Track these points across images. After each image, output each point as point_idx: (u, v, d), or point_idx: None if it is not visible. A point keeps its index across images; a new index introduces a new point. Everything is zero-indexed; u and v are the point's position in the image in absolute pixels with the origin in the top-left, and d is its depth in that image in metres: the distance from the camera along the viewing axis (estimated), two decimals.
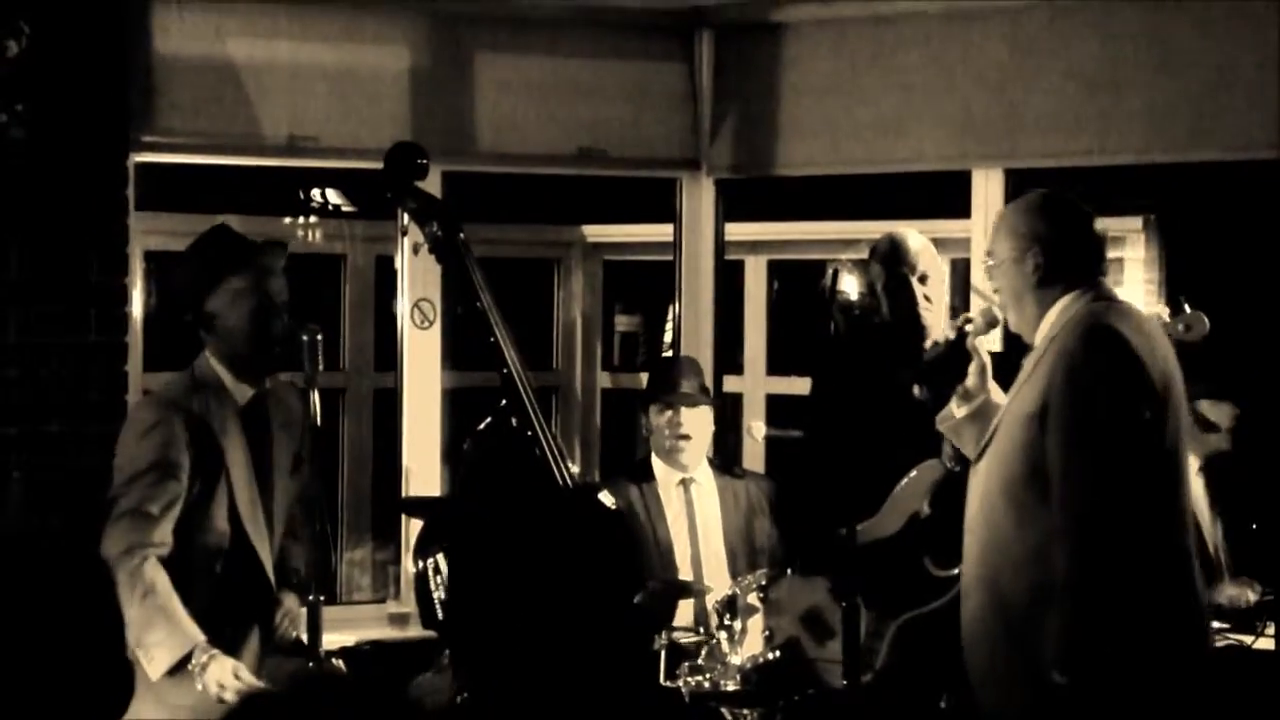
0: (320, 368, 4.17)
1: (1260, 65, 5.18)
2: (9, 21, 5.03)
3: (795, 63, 5.94)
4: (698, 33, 6.04)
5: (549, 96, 5.90)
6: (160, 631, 3.90)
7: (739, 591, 4.63)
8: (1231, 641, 4.87)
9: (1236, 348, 5.18)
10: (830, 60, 5.88)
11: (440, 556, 3.90)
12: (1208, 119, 5.32)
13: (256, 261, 4.25)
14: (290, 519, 4.39)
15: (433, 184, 4.86)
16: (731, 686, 4.43)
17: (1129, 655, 3.69)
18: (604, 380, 7.11)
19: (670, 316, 6.50)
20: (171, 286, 4.35)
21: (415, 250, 4.27)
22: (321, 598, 4.12)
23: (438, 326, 5.76)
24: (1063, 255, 3.89)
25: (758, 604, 4.72)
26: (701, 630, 4.70)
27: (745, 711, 4.37)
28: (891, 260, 4.78)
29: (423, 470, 5.71)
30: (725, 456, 5.48)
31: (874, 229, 5.13)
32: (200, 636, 3.95)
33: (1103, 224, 6.51)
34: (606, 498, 4.11)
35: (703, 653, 4.53)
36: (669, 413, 5.30)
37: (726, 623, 4.54)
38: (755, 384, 6.41)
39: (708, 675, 4.45)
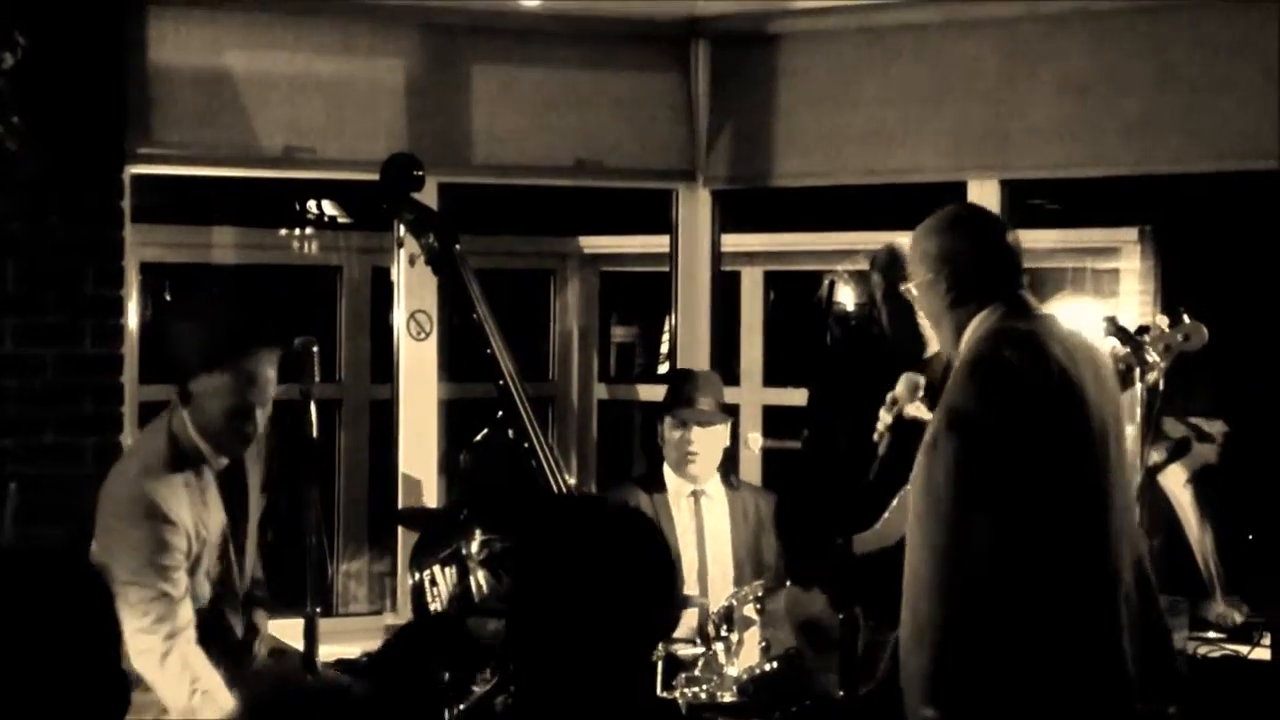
0: (316, 379, 4.17)
1: (1256, 76, 5.19)
2: (4, 34, 5.02)
3: (791, 74, 5.95)
4: (694, 44, 6.04)
5: (545, 108, 5.90)
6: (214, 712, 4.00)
7: (736, 603, 4.63)
8: (1228, 652, 4.87)
9: (1232, 359, 5.18)
10: (826, 71, 5.89)
11: (437, 568, 3.90)
12: (1203, 130, 5.33)
13: (245, 364, 4.14)
14: (259, 532, 4.43)
15: (429, 195, 4.85)
16: (728, 698, 4.42)
17: (1001, 690, 3.56)
18: (600, 391, 7.10)
19: (667, 327, 6.50)
20: (166, 341, 4.32)
21: (411, 262, 4.28)
22: (318, 610, 4.12)
23: (434, 338, 5.75)
24: (974, 273, 3.77)
25: (754, 615, 4.71)
26: (698, 641, 4.70)
27: None
28: (892, 271, 4.77)
29: (419, 481, 5.70)
30: (723, 468, 5.47)
31: (870, 240, 5.13)
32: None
33: (1096, 234, 6.55)
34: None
35: (700, 664, 4.53)
36: (681, 429, 5.31)
37: (723, 634, 4.54)
38: (752, 395, 6.40)
39: (705, 686, 4.45)
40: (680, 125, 6.07)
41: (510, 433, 4.07)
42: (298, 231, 6.85)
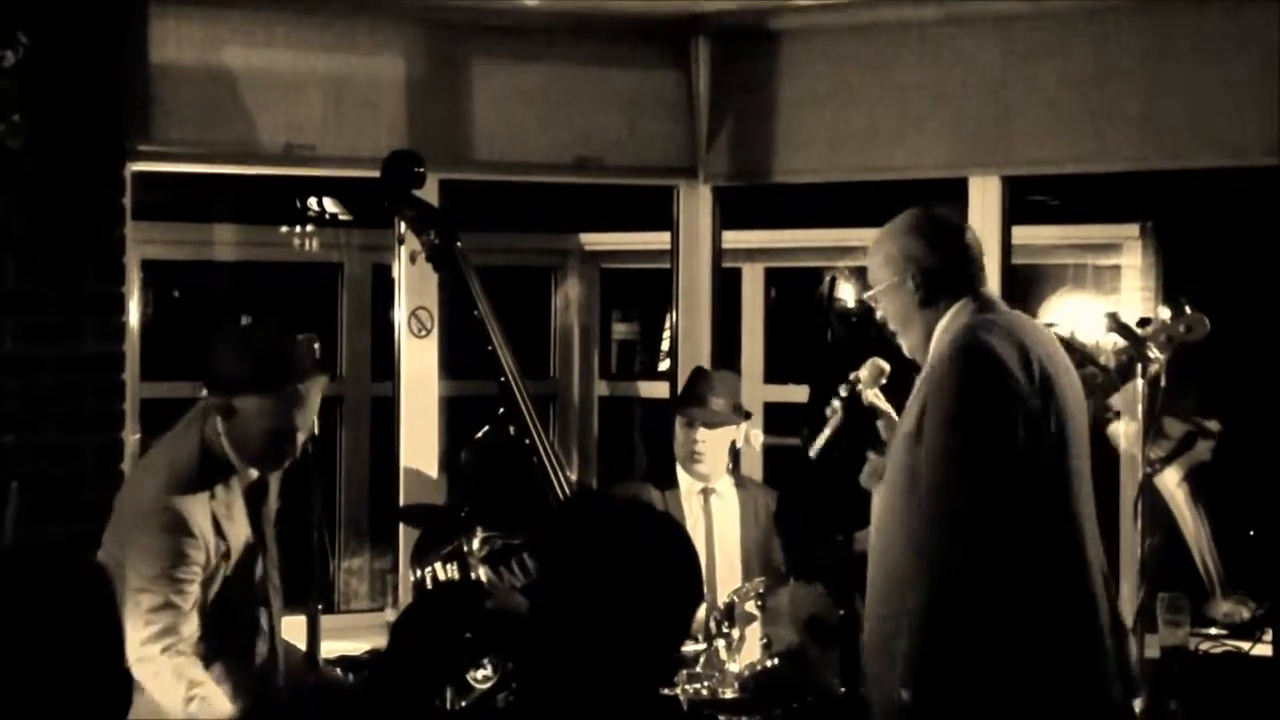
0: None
1: (1257, 71, 5.18)
2: (6, 32, 5.03)
3: (792, 71, 5.94)
4: (695, 41, 6.04)
5: (546, 105, 5.90)
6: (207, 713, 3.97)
7: (737, 600, 4.63)
8: (1229, 648, 4.87)
9: (1233, 354, 5.18)
10: (827, 68, 5.88)
11: (438, 565, 3.90)
12: (1204, 126, 5.32)
13: (296, 388, 4.04)
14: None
15: (430, 192, 4.86)
16: (729, 694, 4.43)
17: (982, 677, 3.62)
18: (601, 388, 7.11)
19: (668, 324, 6.50)
20: (211, 355, 4.22)
21: (413, 259, 4.28)
22: (319, 607, 4.12)
23: (435, 335, 5.75)
24: (941, 272, 3.87)
25: (756, 612, 4.72)
26: (700, 638, 4.70)
27: (743, 719, 4.37)
28: None
29: (421, 478, 5.70)
30: (733, 466, 5.48)
31: (871, 237, 5.11)
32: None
33: (1097, 231, 6.55)
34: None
35: (701, 660, 4.54)
36: (689, 428, 5.31)
37: (725, 631, 4.55)
38: (753, 392, 6.40)
39: (706, 683, 4.45)
40: (681, 122, 6.07)
41: (511, 430, 4.07)
42: (299, 228, 6.85)
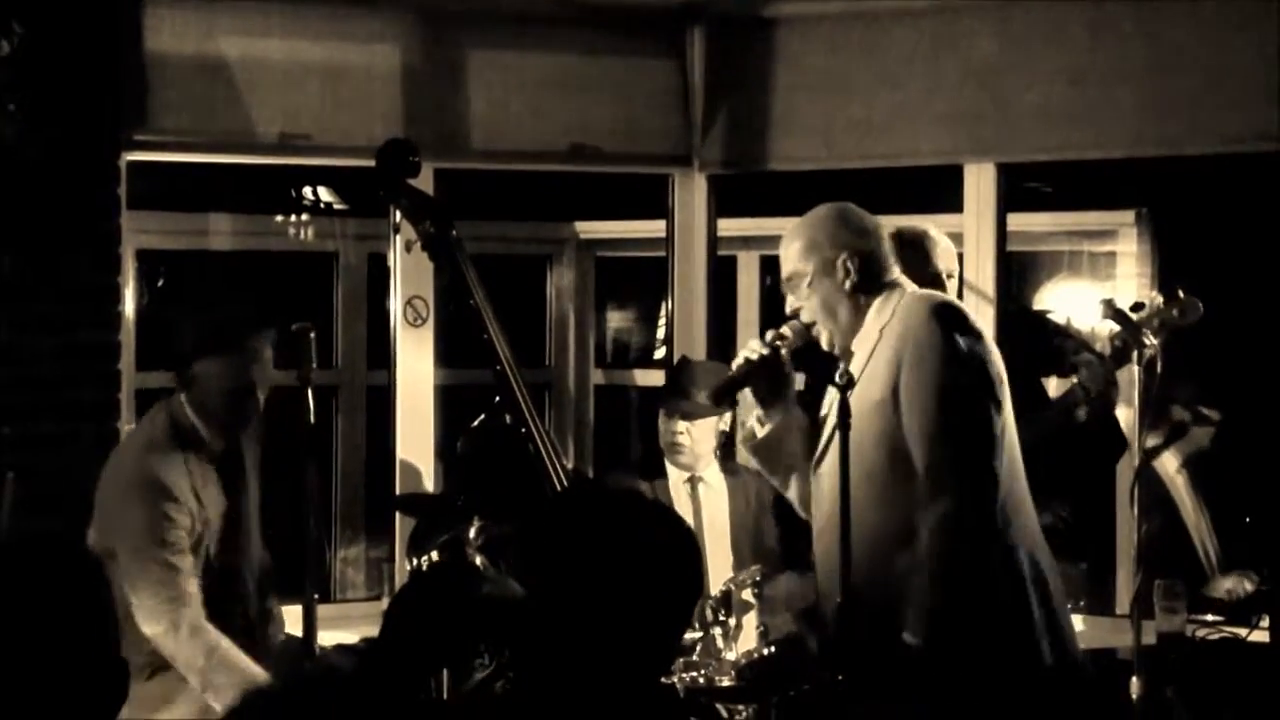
0: (313, 365, 4.17)
1: (1253, 58, 5.18)
2: (1, 22, 5.02)
3: (787, 58, 5.94)
4: (690, 28, 6.03)
5: (541, 93, 5.89)
6: (232, 675, 4.07)
7: (734, 588, 4.63)
8: (1226, 634, 4.87)
9: (1229, 341, 5.18)
10: (822, 55, 5.88)
11: (434, 553, 3.90)
12: (1200, 112, 5.32)
13: (245, 345, 4.29)
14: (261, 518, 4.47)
15: (425, 181, 4.84)
16: (726, 682, 4.43)
17: (970, 624, 3.78)
18: (597, 376, 7.11)
19: (663, 312, 6.50)
20: (167, 328, 4.49)
21: (408, 248, 4.26)
22: (315, 596, 4.14)
23: (430, 324, 5.75)
24: (870, 256, 4.01)
25: (752, 600, 4.72)
26: (696, 626, 4.70)
27: (740, 707, 4.37)
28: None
29: (416, 467, 5.70)
30: (722, 454, 5.47)
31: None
32: (263, 675, 4.11)
33: (1093, 217, 6.55)
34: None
35: (697, 649, 4.54)
36: (670, 419, 5.31)
37: (721, 619, 4.55)
38: None
39: (702, 671, 4.45)
40: (676, 110, 6.06)
41: (507, 418, 4.06)
42: (294, 218, 6.85)
